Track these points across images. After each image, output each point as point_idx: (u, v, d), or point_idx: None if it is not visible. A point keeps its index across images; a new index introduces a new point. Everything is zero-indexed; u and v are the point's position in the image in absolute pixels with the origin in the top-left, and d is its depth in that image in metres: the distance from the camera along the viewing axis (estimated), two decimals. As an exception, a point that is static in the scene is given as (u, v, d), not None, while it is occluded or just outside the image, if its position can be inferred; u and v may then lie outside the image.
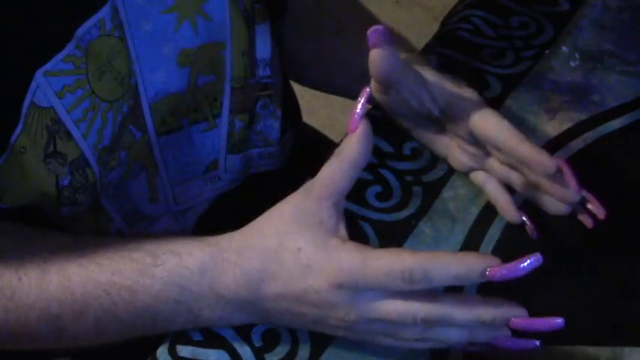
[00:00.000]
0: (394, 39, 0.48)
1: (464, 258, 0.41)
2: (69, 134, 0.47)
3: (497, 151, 0.52)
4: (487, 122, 0.50)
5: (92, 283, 0.45)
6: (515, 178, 0.53)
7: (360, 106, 0.43)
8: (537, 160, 0.47)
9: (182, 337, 0.48)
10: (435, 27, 0.69)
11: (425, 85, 0.51)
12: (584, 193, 0.51)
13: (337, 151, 0.44)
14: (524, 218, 0.52)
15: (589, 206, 0.51)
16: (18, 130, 0.45)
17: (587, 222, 0.52)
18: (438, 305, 0.42)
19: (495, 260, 0.41)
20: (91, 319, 0.45)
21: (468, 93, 0.52)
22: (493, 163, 0.53)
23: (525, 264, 0.40)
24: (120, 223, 0.56)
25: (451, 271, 0.40)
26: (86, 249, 0.46)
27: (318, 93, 0.76)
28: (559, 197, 0.50)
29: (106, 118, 0.49)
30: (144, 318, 0.45)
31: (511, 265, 0.40)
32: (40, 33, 0.43)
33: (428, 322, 0.42)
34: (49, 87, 0.45)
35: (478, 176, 0.55)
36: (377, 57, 0.47)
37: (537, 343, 0.43)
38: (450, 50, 0.65)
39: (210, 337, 0.48)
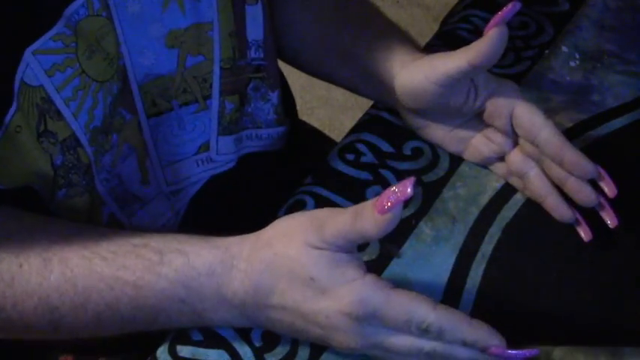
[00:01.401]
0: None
1: (478, 329, 0.42)
2: (59, 113, 0.47)
3: (528, 145, 0.53)
4: (533, 116, 0.51)
5: (96, 277, 0.44)
6: (534, 175, 0.54)
7: (396, 198, 0.40)
8: (581, 164, 0.50)
9: (182, 337, 0.48)
10: (435, 27, 0.69)
11: (470, 79, 0.52)
12: (601, 199, 0.52)
13: (357, 211, 0.42)
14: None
15: (602, 213, 0.53)
16: (12, 109, 0.45)
17: (585, 235, 0.53)
18: (443, 343, 0.43)
19: (501, 341, 0.42)
20: (90, 312, 0.45)
21: (510, 84, 0.53)
22: (514, 156, 0.55)
23: (523, 355, 0.43)
24: (112, 206, 0.55)
25: (462, 336, 0.42)
26: (89, 241, 0.46)
27: (318, 93, 0.76)
28: (580, 197, 0.52)
29: (97, 98, 0.49)
30: (146, 314, 0.45)
31: (511, 353, 0.42)
32: (28, 12, 0.43)
33: (431, 357, 0.43)
34: (38, 65, 0.45)
35: (501, 169, 0.56)
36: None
37: (537, 351, 0.43)
38: (450, 50, 0.65)
39: (210, 337, 0.48)
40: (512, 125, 0.53)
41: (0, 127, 0.45)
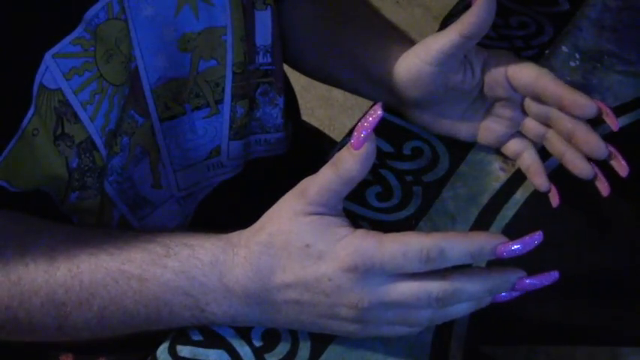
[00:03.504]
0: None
1: (476, 236, 0.42)
2: (76, 116, 0.47)
3: (535, 103, 0.53)
4: (527, 69, 0.52)
5: (102, 271, 0.45)
6: (550, 135, 0.54)
7: (369, 124, 0.42)
8: (579, 101, 0.50)
9: (182, 336, 0.48)
10: (435, 27, 0.69)
11: (463, 55, 0.53)
12: (611, 148, 0.52)
13: (335, 159, 0.43)
14: (552, 187, 0.55)
15: (612, 163, 0.52)
16: (30, 113, 0.45)
17: (604, 189, 0.53)
18: (450, 282, 0.42)
19: (504, 238, 0.42)
20: (95, 307, 0.45)
21: (501, 51, 0.54)
22: (529, 122, 0.55)
23: (531, 240, 0.42)
24: (123, 209, 0.56)
25: (465, 249, 0.41)
26: (95, 239, 0.46)
27: (318, 93, 0.76)
28: (591, 148, 0.52)
29: (113, 102, 0.49)
30: (150, 308, 0.45)
31: (519, 241, 0.42)
32: (49, 15, 0.44)
33: (441, 300, 0.42)
34: (57, 69, 0.45)
35: (513, 146, 0.57)
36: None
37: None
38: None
39: (210, 337, 0.48)
40: (514, 90, 0.53)
41: (16, 131, 0.46)
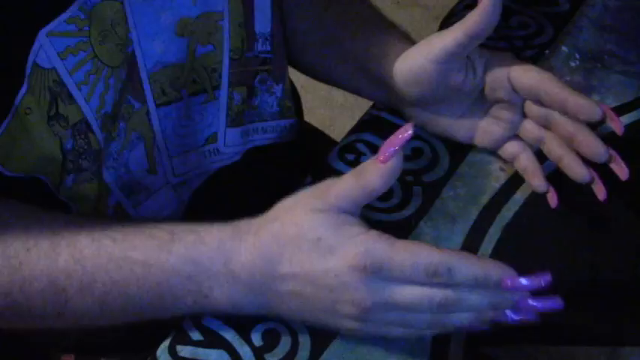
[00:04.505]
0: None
1: (487, 264, 0.42)
2: (71, 97, 0.47)
3: (536, 106, 0.53)
4: (530, 72, 0.52)
5: (105, 257, 0.44)
6: (548, 139, 0.54)
7: (398, 141, 0.43)
8: (583, 105, 0.50)
9: (182, 336, 0.48)
10: (435, 27, 0.69)
11: (466, 55, 0.53)
12: (611, 152, 0.52)
13: (360, 169, 0.44)
14: (549, 188, 0.54)
15: (612, 166, 0.52)
16: (23, 90, 0.45)
17: (600, 193, 0.53)
18: (454, 290, 0.42)
19: (513, 272, 0.42)
20: (97, 293, 0.45)
21: (503, 53, 0.54)
22: (527, 124, 0.55)
23: (538, 280, 0.42)
24: (118, 195, 0.55)
25: (472, 273, 0.42)
26: (98, 226, 0.46)
27: (318, 93, 0.76)
28: (592, 151, 0.52)
29: (109, 84, 0.49)
30: (153, 294, 0.45)
31: (526, 277, 0.42)
32: None
33: (443, 307, 0.42)
34: (51, 47, 0.45)
35: (510, 148, 0.56)
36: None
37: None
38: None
39: (210, 337, 0.48)
40: (515, 92, 0.53)
41: (9, 110, 0.45)
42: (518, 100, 0.54)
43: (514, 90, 0.53)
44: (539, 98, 0.52)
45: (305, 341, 0.48)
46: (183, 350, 0.47)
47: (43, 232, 0.45)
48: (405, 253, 0.42)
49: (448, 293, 0.42)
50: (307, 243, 0.43)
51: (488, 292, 0.43)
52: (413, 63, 0.53)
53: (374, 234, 0.43)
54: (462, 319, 0.44)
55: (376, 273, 0.42)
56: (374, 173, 0.43)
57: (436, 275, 0.41)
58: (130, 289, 0.45)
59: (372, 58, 0.57)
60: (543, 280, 0.42)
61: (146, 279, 0.45)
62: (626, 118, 0.61)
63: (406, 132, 0.43)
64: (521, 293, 0.43)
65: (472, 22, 0.50)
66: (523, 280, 0.42)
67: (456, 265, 0.41)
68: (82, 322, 0.47)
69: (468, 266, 0.42)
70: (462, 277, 0.42)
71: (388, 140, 0.43)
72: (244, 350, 0.47)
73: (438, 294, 0.42)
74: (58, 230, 0.45)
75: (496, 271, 0.42)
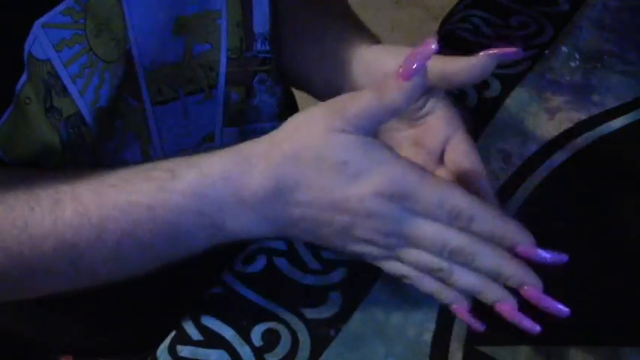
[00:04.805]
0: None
1: (508, 223, 0.42)
2: (65, 89, 0.47)
3: (445, 171, 0.48)
4: (471, 151, 0.48)
5: (109, 206, 0.44)
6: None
7: (421, 56, 0.40)
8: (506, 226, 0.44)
9: (182, 336, 0.48)
10: (434, 27, 0.70)
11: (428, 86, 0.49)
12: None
13: (381, 86, 0.41)
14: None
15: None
16: (23, 79, 0.45)
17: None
18: (470, 241, 0.42)
19: (531, 239, 0.42)
20: (109, 243, 0.44)
21: (458, 110, 0.50)
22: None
23: (554, 255, 0.42)
24: None
25: (491, 228, 0.41)
26: (98, 175, 0.45)
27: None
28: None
29: (104, 78, 0.48)
30: (165, 235, 0.44)
31: (542, 249, 0.42)
32: None
33: (454, 255, 0.42)
34: (46, 39, 0.44)
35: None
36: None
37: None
38: (449, 50, 0.65)
39: (210, 337, 0.48)
40: (440, 150, 0.49)
41: (11, 99, 0.45)
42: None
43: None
44: (463, 179, 0.47)
45: (305, 341, 0.48)
46: (184, 350, 0.47)
47: (46, 188, 0.44)
48: (434, 190, 0.41)
49: (465, 241, 0.41)
50: (329, 167, 0.41)
51: (504, 259, 0.42)
52: (385, 63, 0.51)
53: (405, 162, 0.41)
54: (468, 281, 0.43)
55: (400, 202, 0.41)
56: (396, 91, 0.41)
57: (457, 218, 0.41)
58: (141, 234, 0.44)
59: (337, 50, 0.55)
60: (557, 257, 0.42)
61: (155, 222, 0.44)
62: (626, 118, 0.61)
63: (430, 46, 0.40)
64: (529, 276, 0.42)
65: (455, 62, 0.47)
66: (541, 252, 0.41)
67: (478, 215, 0.41)
68: (101, 276, 0.46)
69: (490, 220, 0.41)
70: (480, 229, 0.41)
71: (410, 54, 0.40)
72: (244, 350, 0.47)
73: (453, 239, 0.41)
74: (60, 186, 0.44)
75: (515, 231, 0.41)
